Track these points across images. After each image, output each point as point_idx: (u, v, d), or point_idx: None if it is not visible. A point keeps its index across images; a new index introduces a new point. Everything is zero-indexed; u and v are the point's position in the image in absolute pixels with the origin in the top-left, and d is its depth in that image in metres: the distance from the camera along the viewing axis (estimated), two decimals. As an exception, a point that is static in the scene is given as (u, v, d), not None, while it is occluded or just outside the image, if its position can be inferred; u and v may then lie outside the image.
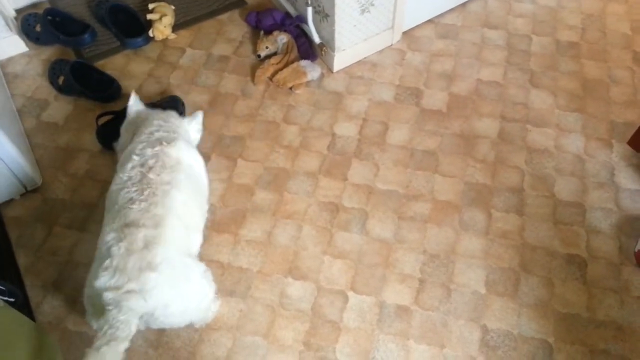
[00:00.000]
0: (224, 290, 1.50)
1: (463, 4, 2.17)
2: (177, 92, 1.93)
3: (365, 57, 2.02)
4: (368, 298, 1.48)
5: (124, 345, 1.05)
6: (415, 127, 1.83)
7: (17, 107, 1.89)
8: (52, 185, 1.72)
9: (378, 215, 1.63)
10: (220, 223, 1.62)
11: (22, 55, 2.04)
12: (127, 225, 1.16)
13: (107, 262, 1.12)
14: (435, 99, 1.90)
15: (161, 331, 1.43)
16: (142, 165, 1.27)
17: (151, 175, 1.24)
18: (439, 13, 2.14)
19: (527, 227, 1.60)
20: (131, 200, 1.20)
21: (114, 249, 1.13)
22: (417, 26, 2.11)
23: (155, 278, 1.11)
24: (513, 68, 1.98)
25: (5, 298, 1.05)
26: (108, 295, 1.08)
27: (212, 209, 1.64)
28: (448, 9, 2.15)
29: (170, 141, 1.33)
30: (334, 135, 1.82)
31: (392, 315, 1.45)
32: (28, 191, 1.68)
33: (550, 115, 1.85)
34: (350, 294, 1.49)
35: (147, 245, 1.14)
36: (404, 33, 2.08)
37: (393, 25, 1.98)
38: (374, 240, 1.59)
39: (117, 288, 1.09)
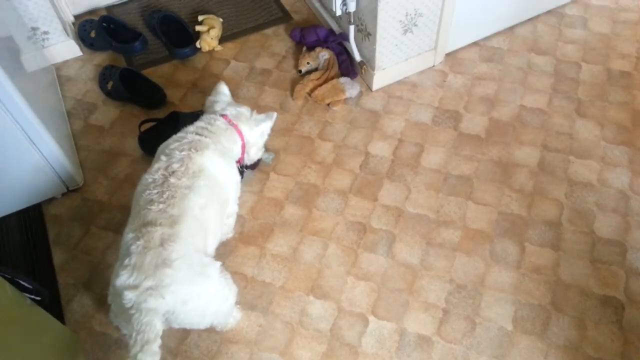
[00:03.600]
0: (246, 304, 1.51)
1: (511, 28, 2.12)
2: (218, 103, 1.98)
3: (405, 77, 2.00)
4: (389, 324, 1.45)
5: (157, 343, 1.07)
6: (452, 151, 1.79)
7: (67, 108, 1.99)
8: (93, 186, 1.78)
9: (406, 239, 1.60)
10: (248, 235, 1.64)
11: (76, 59, 2.14)
12: (145, 224, 1.19)
13: (127, 260, 1.14)
14: (475, 123, 1.86)
15: (181, 339, 1.46)
16: (166, 168, 1.31)
17: (172, 180, 1.27)
18: (485, 36, 2.10)
19: (562, 263, 1.53)
20: (151, 202, 1.23)
21: (133, 248, 1.16)
22: (462, 48, 2.07)
23: (172, 274, 1.13)
24: (559, 96, 1.91)
25: (32, 296, 1.09)
26: (128, 295, 1.10)
27: (241, 221, 1.66)
28: (495, 32, 2.10)
29: (199, 149, 1.36)
30: (367, 154, 1.81)
31: (412, 344, 1.42)
32: (69, 191, 1.76)
33: (595, 147, 1.77)
34: (371, 318, 1.47)
35: (163, 242, 1.16)
36: (447, 54, 2.05)
37: (436, 46, 1.96)
38: (399, 264, 1.56)
39: (135, 287, 1.11)
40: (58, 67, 2.12)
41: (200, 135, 1.40)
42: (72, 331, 1.47)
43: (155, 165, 1.33)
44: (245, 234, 1.64)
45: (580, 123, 1.83)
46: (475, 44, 2.09)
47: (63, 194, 1.76)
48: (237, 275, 1.56)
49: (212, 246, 1.33)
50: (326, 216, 1.67)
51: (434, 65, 2.03)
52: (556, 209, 1.64)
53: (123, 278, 1.13)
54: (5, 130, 1.46)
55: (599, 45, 2.05)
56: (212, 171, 1.36)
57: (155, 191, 1.26)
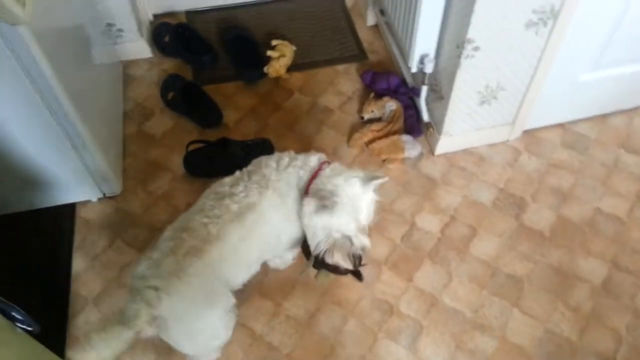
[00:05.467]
0: (247, 364, 1.41)
1: (604, 116, 1.90)
2: (272, 135, 1.89)
3: (473, 147, 1.83)
4: None
5: (129, 333, 1.07)
6: (507, 244, 1.61)
7: (125, 109, 1.97)
8: (129, 197, 1.75)
9: (434, 335, 1.45)
10: (267, 287, 1.54)
11: (145, 60, 2.13)
12: (183, 229, 1.20)
13: (154, 254, 1.17)
14: (540, 216, 1.67)
15: (173, 386, 1.38)
16: (231, 186, 1.28)
17: (227, 201, 1.24)
18: (572, 119, 1.89)
19: (608, 410, 1.33)
20: (201, 212, 1.23)
21: (163, 246, 1.18)
22: (543, 127, 1.88)
23: (178, 285, 1.12)
24: (644, 206, 1.68)
25: (24, 327, 1.05)
26: (136, 283, 1.13)
27: (264, 270, 1.56)
28: (584, 116, 1.89)
29: (263, 187, 1.28)
30: (413, 225, 1.66)
31: None
32: (105, 197, 1.73)
33: (676, 277, 1.54)
34: (375, 417, 1.33)
35: (187, 253, 1.15)
36: (525, 131, 1.86)
37: (514, 121, 1.78)
38: (420, 362, 1.41)
39: (145, 279, 1.13)
40: (126, 65, 2.11)
41: (270, 177, 1.29)
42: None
43: (227, 179, 1.31)
44: (264, 285, 1.55)
45: (663, 244, 1.60)
46: (559, 125, 1.89)
47: (99, 199, 1.74)
48: (245, 329, 1.46)
49: (240, 279, 1.30)
50: (353, 286, 1.54)
51: (507, 140, 1.85)
52: (613, 341, 1.43)
53: (142, 267, 1.16)
54: (50, 130, 1.44)
55: None
56: (266, 209, 1.27)
57: (211, 203, 1.25)
